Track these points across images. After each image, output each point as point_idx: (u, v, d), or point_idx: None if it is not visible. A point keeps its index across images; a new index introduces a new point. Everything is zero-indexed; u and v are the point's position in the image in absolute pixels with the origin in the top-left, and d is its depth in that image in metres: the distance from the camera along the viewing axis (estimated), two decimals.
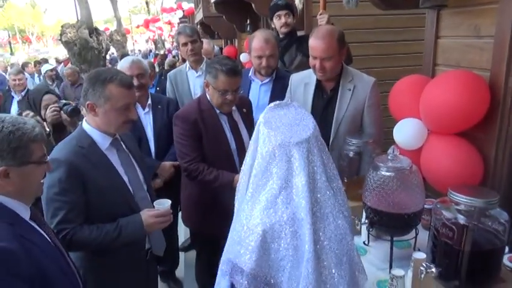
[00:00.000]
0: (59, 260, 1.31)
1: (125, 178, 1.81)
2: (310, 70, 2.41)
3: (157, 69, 10.77)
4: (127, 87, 1.74)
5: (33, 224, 1.31)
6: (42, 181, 1.36)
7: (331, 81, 2.36)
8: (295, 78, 2.51)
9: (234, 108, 2.39)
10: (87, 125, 1.79)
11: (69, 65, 9.62)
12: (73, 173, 1.63)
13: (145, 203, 1.89)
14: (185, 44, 3.18)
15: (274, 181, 1.14)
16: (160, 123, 2.74)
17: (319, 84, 2.40)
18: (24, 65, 9.63)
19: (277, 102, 1.25)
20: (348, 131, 2.30)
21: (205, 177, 2.28)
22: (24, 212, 1.29)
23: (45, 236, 1.33)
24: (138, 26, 25.64)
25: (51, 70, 7.25)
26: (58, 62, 12.87)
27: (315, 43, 2.24)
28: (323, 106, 2.39)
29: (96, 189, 1.68)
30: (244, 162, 1.26)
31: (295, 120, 1.18)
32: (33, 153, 1.26)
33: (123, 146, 1.89)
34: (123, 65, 2.66)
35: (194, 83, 3.24)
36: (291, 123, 1.18)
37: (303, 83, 2.44)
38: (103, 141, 1.77)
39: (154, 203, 1.85)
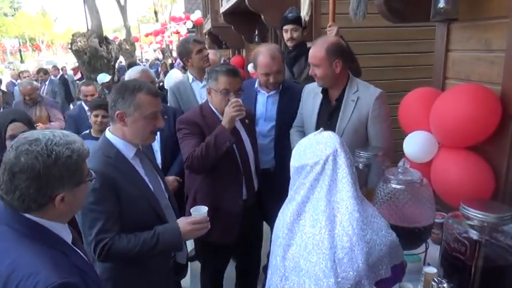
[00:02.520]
0: (98, 281, 1.28)
1: (151, 187, 1.81)
2: None
3: (163, 78, 10.88)
4: (154, 96, 1.76)
5: (75, 247, 1.26)
6: None
7: (337, 92, 2.40)
8: (308, 88, 2.59)
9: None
10: (110, 134, 1.78)
11: (79, 74, 9.67)
12: (106, 182, 1.62)
13: (169, 211, 1.89)
14: (200, 51, 3.16)
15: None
16: (167, 133, 2.72)
17: (325, 94, 2.45)
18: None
19: (314, 132, 1.39)
20: (351, 142, 2.29)
21: (203, 148, 2.20)
22: (67, 236, 1.24)
23: (85, 258, 1.29)
24: (147, 35, 25.90)
25: (108, 82, 6.81)
26: (57, 69, 12.42)
27: (310, 49, 2.38)
28: (327, 116, 2.43)
29: (126, 198, 1.67)
30: None
31: (317, 145, 1.30)
32: (84, 171, 1.22)
33: (145, 156, 1.89)
34: (131, 74, 2.69)
35: (200, 93, 3.21)
36: (313, 149, 1.30)
37: (313, 92, 2.51)
38: (128, 151, 1.77)
39: (191, 210, 1.84)
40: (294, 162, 1.34)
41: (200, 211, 1.83)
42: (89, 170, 1.27)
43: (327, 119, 2.41)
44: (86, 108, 4.13)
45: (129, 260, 1.70)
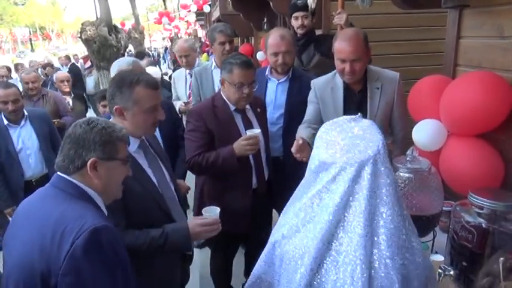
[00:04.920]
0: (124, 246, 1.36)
1: (154, 180, 1.79)
2: (331, 75, 2.39)
3: (172, 67, 10.89)
4: (154, 88, 1.72)
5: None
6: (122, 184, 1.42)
7: (358, 83, 2.34)
8: (319, 83, 2.45)
9: (247, 107, 2.40)
10: None
11: (88, 62, 9.67)
12: None
13: (174, 203, 1.88)
14: (223, 43, 3.22)
15: (305, 198, 1.11)
16: (167, 128, 2.68)
17: (347, 87, 2.36)
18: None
19: (347, 117, 1.16)
20: (381, 128, 2.30)
21: (208, 161, 2.25)
22: (104, 208, 1.37)
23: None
24: (156, 22, 25.69)
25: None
26: (68, 58, 12.20)
27: (342, 46, 2.20)
28: (354, 109, 2.32)
29: (130, 194, 1.64)
30: None
31: (355, 139, 1.06)
32: (120, 151, 1.36)
33: (149, 147, 1.87)
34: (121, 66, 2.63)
35: (218, 81, 3.25)
36: (349, 142, 1.06)
37: (329, 87, 2.40)
38: (131, 145, 1.71)
39: (203, 210, 1.81)
40: (319, 154, 1.07)
41: (212, 212, 1.79)
42: (128, 157, 1.42)
43: (354, 111, 2.35)
44: (6, 122, 3.18)
45: (137, 256, 1.67)
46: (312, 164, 1.09)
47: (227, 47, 3.23)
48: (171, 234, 1.70)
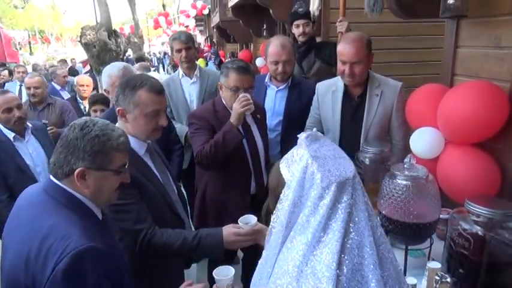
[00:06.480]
0: (122, 258, 1.33)
1: (162, 183, 1.79)
2: (336, 78, 2.43)
3: (172, 72, 10.94)
4: (157, 93, 1.70)
5: (103, 225, 1.34)
6: (116, 190, 1.37)
7: (359, 88, 2.38)
8: (322, 87, 2.52)
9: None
10: None
11: (88, 66, 9.65)
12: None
13: (179, 206, 1.89)
14: (179, 51, 3.16)
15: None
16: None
17: (346, 91, 2.40)
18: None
19: (308, 133, 1.05)
20: (377, 135, 2.35)
21: (212, 144, 2.22)
22: (98, 213, 1.33)
23: (111, 234, 1.35)
24: (154, 26, 25.71)
25: None
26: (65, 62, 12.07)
27: (344, 48, 2.26)
28: (352, 113, 2.40)
29: (146, 195, 1.65)
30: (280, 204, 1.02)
31: (336, 152, 1.03)
32: (113, 162, 1.28)
33: (155, 150, 1.88)
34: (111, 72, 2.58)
35: (189, 90, 3.20)
36: (335, 155, 1.02)
37: (330, 91, 2.45)
38: (139, 148, 1.74)
39: (239, 219, 1.72)
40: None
41: (248, 221, 1.71)
42: (125, 165, 1.33)
43: (351, 116, 2.39)
44: (11, 134, 2.74)
45: (167, 256, 1.68)
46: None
47: (184, 53, 3.14)
48: (204, 238, 1.67)
